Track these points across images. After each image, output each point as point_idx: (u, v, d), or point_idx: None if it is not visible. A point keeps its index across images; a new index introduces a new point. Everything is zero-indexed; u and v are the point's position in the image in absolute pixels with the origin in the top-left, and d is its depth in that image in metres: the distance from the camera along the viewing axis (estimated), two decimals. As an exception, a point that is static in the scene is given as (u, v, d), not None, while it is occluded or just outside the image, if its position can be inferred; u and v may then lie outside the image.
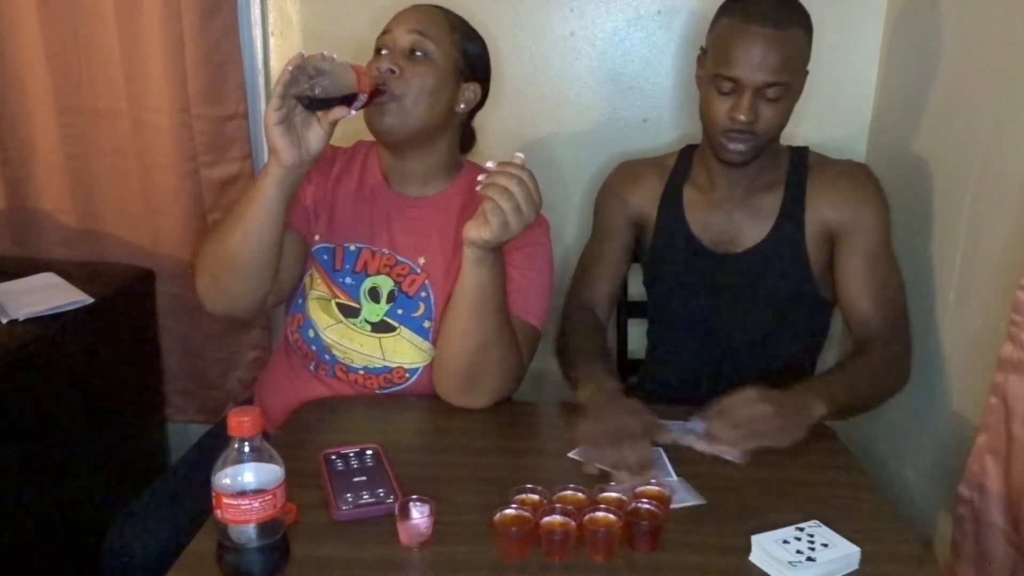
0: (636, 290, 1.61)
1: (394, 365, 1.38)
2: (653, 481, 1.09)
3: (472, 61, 1.39)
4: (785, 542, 0.98)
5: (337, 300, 1.39)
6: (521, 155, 1.15)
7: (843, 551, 0.97)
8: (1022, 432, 1.10)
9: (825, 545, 0.98)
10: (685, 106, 1.82)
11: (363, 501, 1.05)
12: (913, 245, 1.47)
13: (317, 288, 1.40)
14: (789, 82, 1.30)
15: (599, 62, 1.84)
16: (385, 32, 1.36)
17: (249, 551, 0.90)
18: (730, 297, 1.47)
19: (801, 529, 1.01)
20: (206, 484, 0.91)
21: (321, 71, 1.13)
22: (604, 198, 1.58)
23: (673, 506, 1.06)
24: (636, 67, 1.84)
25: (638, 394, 1.28)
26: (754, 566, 0.97)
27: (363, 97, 1.19)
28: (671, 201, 1.51)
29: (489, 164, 1.15)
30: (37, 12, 1.82)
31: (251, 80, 1.87)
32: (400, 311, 1.37)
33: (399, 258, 1.39)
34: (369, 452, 1.15)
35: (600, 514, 1.00)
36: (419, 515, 0.99)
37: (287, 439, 1.24)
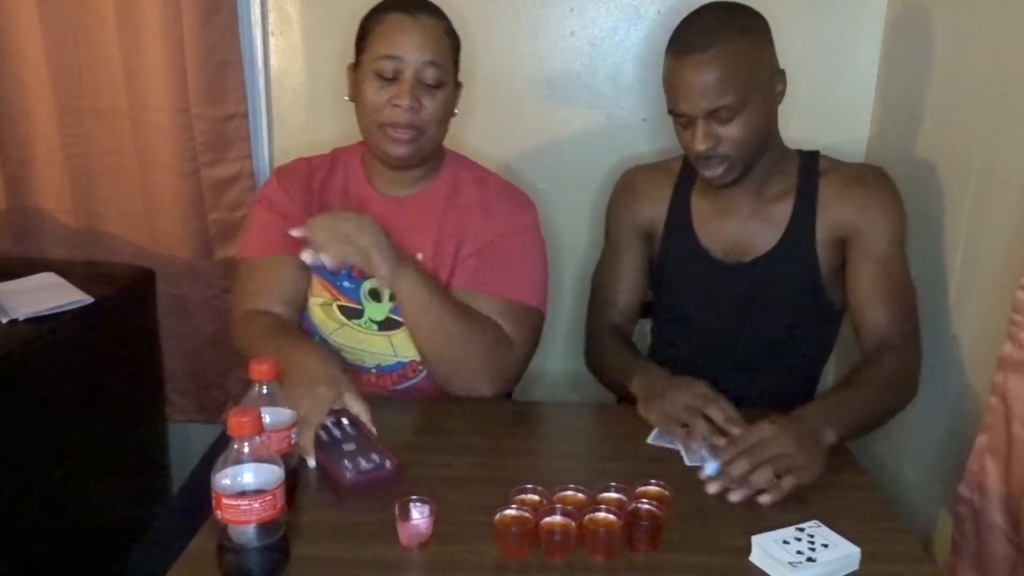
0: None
1: (407, 360, 1.40)
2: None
3: (458, 64, 1.39)
4: (785, 542, 0.98)
5: (338, 303, 1.40)
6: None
7: (843, 551, 0.97)
8: (1022, 432, 1.10)
9: (825, 545, 0.98)
10: (685, 106, 1.81)
11: (364, 468, 1.09)
12: (913, 245, 1.46)
13: (318, 295, 1.41)
14: (734, 101, 1.25)
15: (599, 62, 1.84)
16: (389, 56, 1.29)
17: (249, 551, 0.91)
18: (739, 306, 1.46)
19: (801, 529, 1.01)
20: None
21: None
22: (613, 212, 1.56)
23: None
24: (636, 67, 1.84)
25: None
26: (754, 566, 0.97)
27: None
28: (679, 210, 1.49)
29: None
30: (37, 12, 1.82)
31: (251, 80, 1.87)
32: None
33: None
34: (345, 421, 1.18)
35: (600, 514, 1.00)
36: (419, 515, 0.99)
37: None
